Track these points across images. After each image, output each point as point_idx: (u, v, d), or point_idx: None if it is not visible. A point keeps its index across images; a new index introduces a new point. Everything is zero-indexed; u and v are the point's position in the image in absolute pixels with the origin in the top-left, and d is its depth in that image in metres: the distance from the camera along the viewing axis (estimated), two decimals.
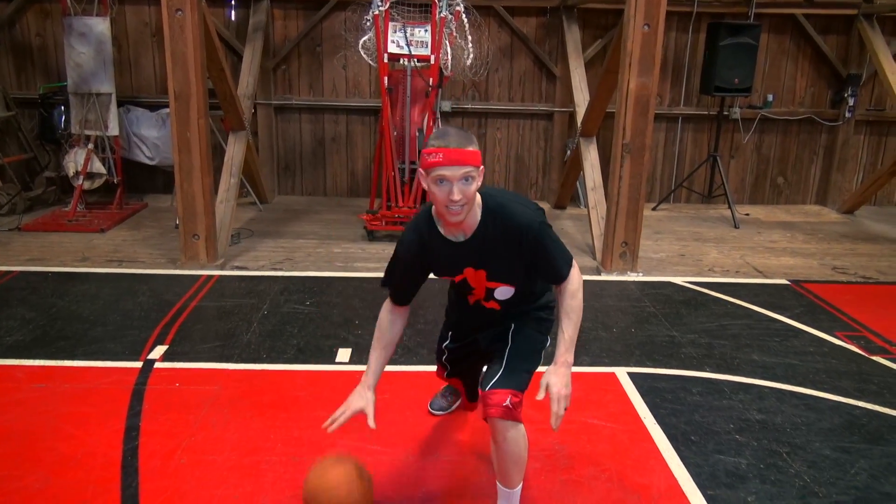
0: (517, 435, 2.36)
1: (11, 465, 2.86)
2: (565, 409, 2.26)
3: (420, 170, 2.26)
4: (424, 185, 2.24)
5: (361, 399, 2.47)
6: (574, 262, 2.43)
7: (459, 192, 2.15)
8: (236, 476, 2.83)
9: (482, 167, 2.25)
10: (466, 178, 2.17)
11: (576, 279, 2.40)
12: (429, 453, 3.05)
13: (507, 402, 2.32)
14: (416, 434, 3.20)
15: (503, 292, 2.47)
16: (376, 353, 2.54)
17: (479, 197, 2.31)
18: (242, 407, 3.37)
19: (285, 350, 4.03)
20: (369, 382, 2.50)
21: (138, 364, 3.79)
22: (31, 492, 2.70)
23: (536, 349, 2.57)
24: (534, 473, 2.90)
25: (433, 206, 2.35)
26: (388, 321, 2.55)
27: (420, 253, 2.41)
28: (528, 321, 2.59)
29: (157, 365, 3.79)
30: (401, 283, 2.53)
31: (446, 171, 2.14)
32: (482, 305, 2.58)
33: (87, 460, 2.91)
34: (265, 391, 3.54)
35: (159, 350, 3.96)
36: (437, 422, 3.30)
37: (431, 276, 2.53)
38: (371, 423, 2.45)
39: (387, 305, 2.58)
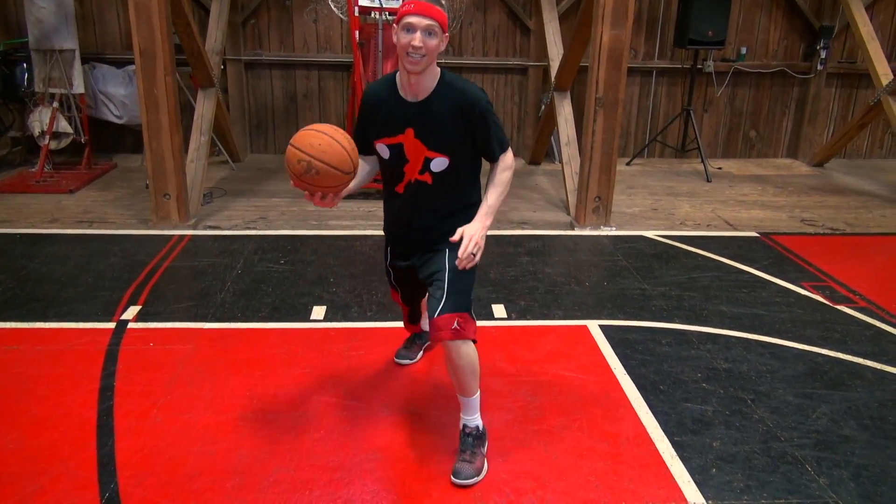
0: (468, 350, 2.60)
1: None
2: (475, 254, 2.50)
3: (393, 24, 2.49)
4: (395, 38, 2.47)
5: None
6: (510, 149, 2.66)
7: (421, 40, 2.39)
8: (212, 433, 2.86)
9: (447, 35, 2.49)
10: (430, 32, 2.41)
11: (510, 159, 2.65)
12: (403, 405, 3.10)
13: (455, 324, 2.54)
14: (390, 387, 3.24)
15: (438, 164, 2.59)
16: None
17: (438, 70, 2.56)
18: (217, 365, 3.39)
19: (260, 308, 4.03)
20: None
21: (111, 325, 3.78)
22: (7, 452, 2.71)
23: (470, 268, 2.62)
24: (505, 425, 2.96)
25: (399, 71, 2.57)
26: (362, 161, 2.70)
27: (375, 101, 2.61)
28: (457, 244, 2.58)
29: (131, 325, 3.78)
30: (362, 132, 2.69)
31: (413, 19, 2.40)
32: (414, 188, 2.64)
33: (61, 421, 2.92)
34: (240, 350, 3.55)
35: (132, 310, 3.95)
36: (406, 373, 3.35)
37: None
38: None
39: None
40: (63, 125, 6.62)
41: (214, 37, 6.73)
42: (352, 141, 2.47)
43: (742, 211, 6.24)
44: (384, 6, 5.76)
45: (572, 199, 5.88)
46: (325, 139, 2.38)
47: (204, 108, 6.25)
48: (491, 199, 2.60)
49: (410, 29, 2.40)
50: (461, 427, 2.74)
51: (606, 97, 5.24)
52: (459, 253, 2.48)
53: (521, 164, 7.81)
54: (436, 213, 2.69)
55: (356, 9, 5.79)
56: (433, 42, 2.42)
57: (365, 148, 2.67)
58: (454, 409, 2.92)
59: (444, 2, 2.49)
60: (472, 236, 2.49)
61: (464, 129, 2.55)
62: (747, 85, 8.11)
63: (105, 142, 7.49)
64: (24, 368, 3.31)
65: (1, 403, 3.03)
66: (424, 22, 2.39)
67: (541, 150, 7.68)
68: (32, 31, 6.40)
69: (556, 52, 6.91)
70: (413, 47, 2.39)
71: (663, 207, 6.31)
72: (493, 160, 2.64)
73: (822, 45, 7.84)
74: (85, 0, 7.25)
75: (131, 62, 7.04)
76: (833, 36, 7.87)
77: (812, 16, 7.88)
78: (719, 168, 7.79)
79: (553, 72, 6.77)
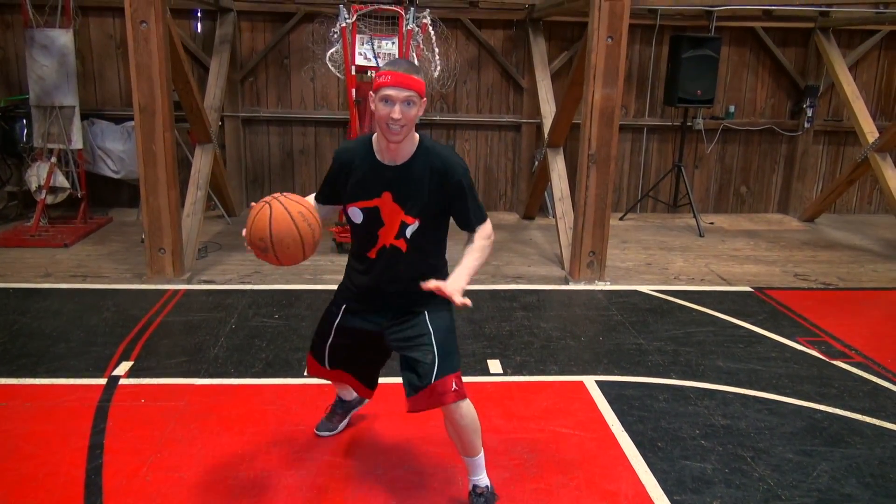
0: (469, 408, 2.59)
1: None
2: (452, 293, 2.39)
3: (370, 92, 2.47)
4: (372, 107, 2.44)
5: None
6: (489, 220, 2.63)
7: (400, 112, 2.37)
8: (203, 493, 2.80)
9: (425, 99, 2.47)
10: (409, 102, 2.39)
11: (489, 229, 2.62)
12: (399, 463, 3.05)
13: (454, 386, 2.52)
14: (386, 445, 3.19)
15: (412, 228, 2.55)
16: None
17: (416, 136, 2.53)
18: (209, 422, 3.34)
19: (253, 364, 3.99)
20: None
21: (102, 381, 3.73)
22: None
23: (452, 327, 2.68)
24: (503, 483, 2.91)
25: (375, 133, 2.54)
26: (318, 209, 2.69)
27: (349, 161, 2.57)
28: (431, 299, 2.55)
29: (123, 381, 3.73)
30: (329, 187, 2.68)
31: (391, 91, 2.37)
32: (388, 253, 2.59)
33: (48, 480, 2.85)
34: (233, 406, 3.51)
35: (124, 366, 3.91)
36: (401, 431, 3.30)
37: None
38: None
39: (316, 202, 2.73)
40: (60, 180, 6.66)
41: (213, 94, 6.84)
42: (318, 236, 2.45)
43: (735, 266, 6.28)
44: (380, 66, 5.88)
45: (566, 254, 5.91)
46: (295, 239, 2.39)
47: (201, 163, 6.31)
48: (470, 262, 2.53)
49: (389, 101, 2.37)
50: (471, 489, 2.70)
51: (599, 153, 5.32)
52: (457, 300, 2.36)
53: (516, 219, 7.87)
54: (407, 278, 2.59)
55: (353, 68, 5.91)
56: (412, 112, 2.41)
57: (328, 200, 2.70)
58: (453, 467, 2.88)
59: (419, 68, 2.52)
60: (455, 290, 2.39)
61: (441, 194, 2.52)
62: (736, 142, 8.26)
63: (101, 196, 7.53)
64: (12, 425, 3.25)
65: None
66: (403, 94, 2.37)
67: (534, 205, 7.76)
68: (34, 87, 6.49)
69: (548, 109, 7.04)
70: (392, 119, 2.37)
71: (657, 262, 6.34)
72: (471, 230, 2.60)
73: (808, 103, 8.03)
74: (86, 58, 7.38)
75: (130, 118, 7.17)
76: (819, 95, 8.06)
77: (797, 76, 8.09)
78: (711, 223, 7.87)
79: (546, 129, 6.89)
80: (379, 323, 2.71)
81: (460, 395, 2.52)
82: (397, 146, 2.47)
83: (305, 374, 3.09)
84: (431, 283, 2.41)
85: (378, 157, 2.54)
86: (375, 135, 2.55)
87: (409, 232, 2.55)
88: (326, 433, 3.25)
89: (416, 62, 6.03)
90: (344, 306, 2.80)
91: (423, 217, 2.54)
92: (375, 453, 3.14)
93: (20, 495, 2.75)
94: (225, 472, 2.94)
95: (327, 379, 3.03)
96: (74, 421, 3.31)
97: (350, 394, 3.23)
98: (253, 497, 2.78)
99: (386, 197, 2.53)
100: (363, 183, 2.55)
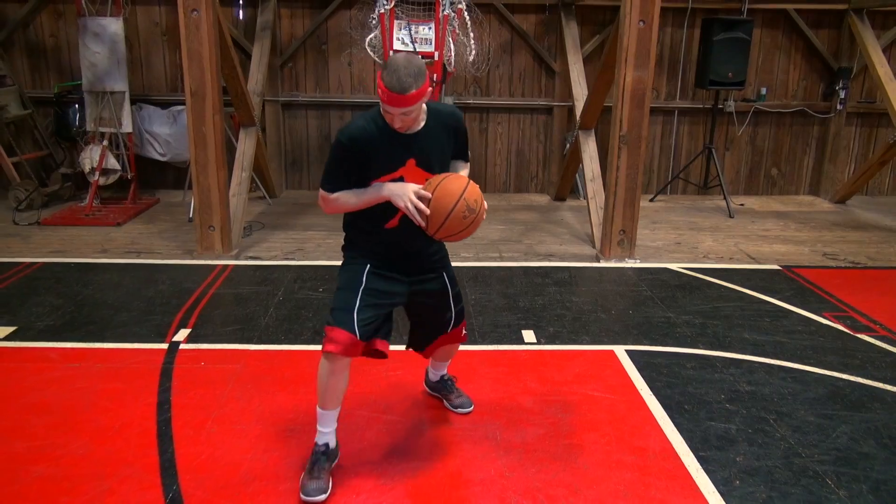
0: None
1: (55, 434, 3.10)
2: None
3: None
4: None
5: (406, 186, 2.63)
6: None
7: (400, 120, 2.57)
8: (264, 442, 3.07)
9: (425, 95, 2.56)
10: (406, 112, 2.53)
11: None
12: (438, 419, 3.28)
13: (464, 331, 3.16)
14: (427, 404, 3.44)
15: None
16: (355, 191, 2.70)
17: (424, 105, 2.67)
18: (265, 383, 3.60)
19: (301, 332, 4.26)
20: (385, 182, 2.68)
21: (164, 346, 4.02)
22: (76, 457, 2.93)
23: (457, 279, 3.08)
24: (538, 439, 3.13)
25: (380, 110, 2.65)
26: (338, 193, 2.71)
27: (367, 141, 2.60)
28: (444, 250, 3.01)
29: (182, 346, 4.02)
30: (343, 176, 2.67)
31: (388, 108, 2.53)
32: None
33: (124, 430, 3.14)
34: (285, 369, 3.77)
35: (183, 333, 4.20)
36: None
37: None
38: (424, 192, 2.60)
39: (327, 193, 2.71)
40: (112, 162, 6.99)
41: (255, 79, 7.11)
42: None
43: (764, 245, 6.39)
44: (417, 50, 6.08)
45: (597, 233, 6.08)
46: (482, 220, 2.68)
47: (245, 145, 6.59)
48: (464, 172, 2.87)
49: (388, 111, 2.54)
50: (439, 378, 3.44)
51: (630, 134, 5.47)
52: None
53: (547, 201, 8.04)
54: (427, 247, 2.89)
55: (391, 52, 6.12)
56: (413, 115, 2.56)
57: (343, 188, 2.70)
58: (484, 423, 3.11)
59: (420, 76, 2.50)
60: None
61: (453, 143, 2.79)
62: (768, 124, 8.32)
63: (148, 178, 7.86)
64: (87, 383, 3.55)
65: (68, 414, 3.26)
66: (399, 110, 2.51)
67: (566, 187, 7.92)
68: (86, 74, 6.81)
69: (580, 92, 7.19)
70: (394, 124, 2.59)
71: (686, 241, 6.48)
72: (467, 160, 2.93)
73: (841, 85, 8.05)
74: (133, 45, 7.69)
75: (175, 103, 7.51)
76: (852, 77, 8.07)
77: (830, 57, 8.11)
78: (741, 204, 7.96)
79: (578, 111, 7.04)
80: (408, 281, 2.86)
81: (466, 336, 3.20)
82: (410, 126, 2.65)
83: (328, 364, 2.72)
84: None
85: (395, 127, 2.63)
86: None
87: None
88: (322, 495, 2.68)
89: (451, 49, 6.23)
90: (368, 266, 2.79)
91: (442, 169, 2.77)
92: (413, 409, 3.39)
93: (102, 442, 3.04)
94: (282, 426, 3.21)
95: (357, 355, 2.76)
96: (142, 380, 3.60)
97: (333, 431, 2.89)
98: (310, 447, 3.01)
99: (410, 164, 2.68)
100: (388, 155, 2.64)
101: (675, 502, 2.73)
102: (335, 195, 2.70)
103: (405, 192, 2.60)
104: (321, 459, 2.78)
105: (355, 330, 2.66)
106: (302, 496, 2.68)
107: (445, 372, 3.44)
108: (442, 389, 3.44)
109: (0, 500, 2.66)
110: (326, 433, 2.84)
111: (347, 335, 2.65)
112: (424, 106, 2.68)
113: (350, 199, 2.71)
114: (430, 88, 2.58)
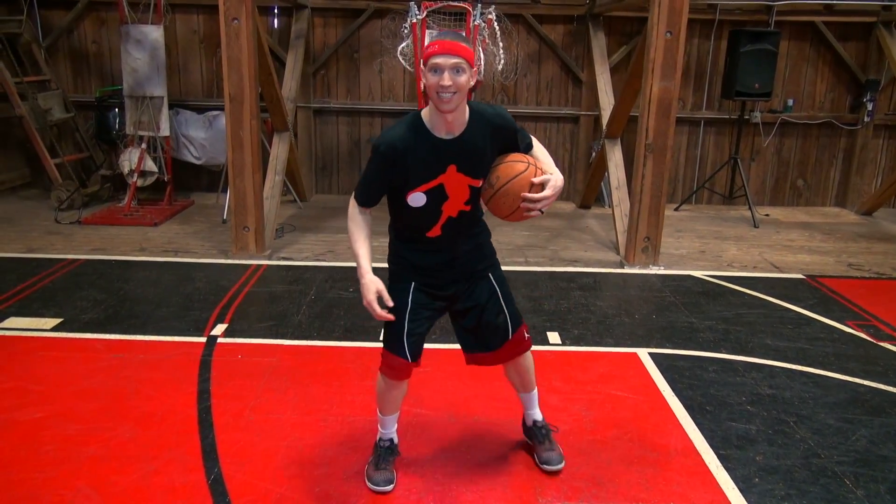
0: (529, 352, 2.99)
1: (103, 418, 3.27)
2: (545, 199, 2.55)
3: (421, 66, 2.52)
4: (423, 81, 2.49)
5: (373, 285, 2.62)
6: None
7: (450, 78, 2.38)
8: (300, 431, 3.21)
9: (475, 69, 2.48)
10: (457, 69, 2.40)
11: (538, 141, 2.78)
12: (468, 413, 3.41)
13: (526, 335, 2.93)
14: (455, 399, 3.55)
15: (476, 189, 2.66)
16: (365, 244, 2.67)
17: (468, 106, 2.55)
18: (300, 376, 3.75)
19: (334, 329, 4.41)
20: (369, 269, 2.65)
21: (202, 339, 4.20)
22: (122, 440, 3.10)
23: (506, 279, 2.91)
24: (561, 434, 3.22)
25: (423, 110, 2.56)
26: (362, 217, 2.68)
27: (405, 149, 2.51)
28: (491, 252, 2.87)
29: (220, 340, 4.19)
30: (378, 187, 2.63)
31: (439, 59, 2.39)
32: (454, 221, 2.65)
33: (167, 416, 3.31)
34: (318, 363, 3.92)
35: (220, 328, 4.37)
36: (469, 386, 3.65)
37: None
38: (387, 300, 2.65)
39: (355, 206, 2.68)
40: (149, 164, 7.23)
41: (289, 86, 7.31)
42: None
43: (788, 255, 6.44)
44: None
45: (622, 240, 6.18)
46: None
47: (279, 150, 6.78)
48: (547, 162, 2.67)
49: (437, 70, 2.39)
50: (531, 423, 3.07)
51: (656, 143, 5.57)
52: (533, 199, 2.53)
53: (572, 208, 8.14)
54: (470, 236, 2.76)
55: (422, 60, 6.28)
56: (462, 79, 2.40)
57: (376, 202, 2.68)
58: (507, 414, 3.22)
59: (470, 42, 2.56)
60: (555, 184, 2.55)
61: (499, 146, 2.62)
62: (794, 135, 8.35)
63: (184, 180, 8.10)
64: (131, 373, 3.73)
65: (114, 401, 3.44)
66: (451, 61, 2.38)
67: (591, 195, 8.01)
68: (127, 79, 7.06)
69: (607, 101, 7.29)
70: (442, 87, 2.38)
71: (711, 250, 6.54)
72: (530, 148, 2.71)
73: (868, 97, 8.06)
74: (172, 52, 7.94)
75: (211, 108, 7.74)
76: (879, 89, 8.08)
77: (858, 70, 8.13)
78: (766, 215, 7.99)
79: (604, 120, 7.15)
80: (453, 290, 2.79)
81: (531, 340, 2.94)
82: (453, 116, 2.47)
83: (385, 381, 2.84)
84: (545, 176, 2.55)
85: (435, 133, 2.52)
86: (424, 111, 2.55)
87: (475, 193, 2.67)
88: (388, 485, 2.85)
89: (481, 58, 6.38)
90: (413, 284, 2.76)
91: (485, 173, 2.64)
92: (446, 405, 3.50)
93: (147, 427, 3.21)
94: (316, 416, 3.35)
95: (410, 374, 2.85)
96: (182, 371, 3.77)
97: (395, 430, 3.03)
98: (343, 436, 3.18)
99: (451, 170, 2.55)
100: (426, 163, 2.54)
101: (695, 496, 2.82)
102: (356, 217, 2.67)
103: (366, 293, 2.61)
104: (386, 453, 2.93)
105: (407, 356, 2.75)
106: (371, 486, 2.84)
107: (539, 416, 3.08)
108: (532, 437, 3.08)
109: (57, 476, 2.84)
110: (389, 431, 2.98)
111: (400, 361, 2.76)
112: (467, 107, 2.55)
113: (354, 233, 2.68)
114: (475, 67, 2.49)
